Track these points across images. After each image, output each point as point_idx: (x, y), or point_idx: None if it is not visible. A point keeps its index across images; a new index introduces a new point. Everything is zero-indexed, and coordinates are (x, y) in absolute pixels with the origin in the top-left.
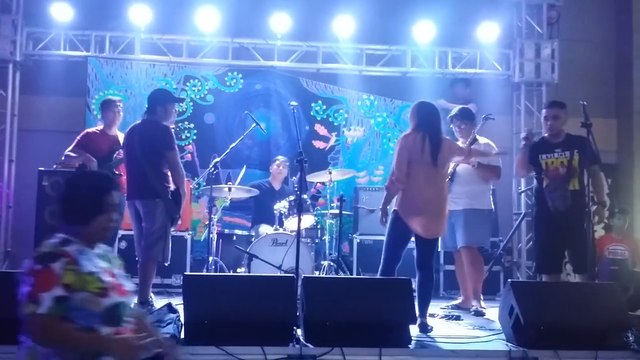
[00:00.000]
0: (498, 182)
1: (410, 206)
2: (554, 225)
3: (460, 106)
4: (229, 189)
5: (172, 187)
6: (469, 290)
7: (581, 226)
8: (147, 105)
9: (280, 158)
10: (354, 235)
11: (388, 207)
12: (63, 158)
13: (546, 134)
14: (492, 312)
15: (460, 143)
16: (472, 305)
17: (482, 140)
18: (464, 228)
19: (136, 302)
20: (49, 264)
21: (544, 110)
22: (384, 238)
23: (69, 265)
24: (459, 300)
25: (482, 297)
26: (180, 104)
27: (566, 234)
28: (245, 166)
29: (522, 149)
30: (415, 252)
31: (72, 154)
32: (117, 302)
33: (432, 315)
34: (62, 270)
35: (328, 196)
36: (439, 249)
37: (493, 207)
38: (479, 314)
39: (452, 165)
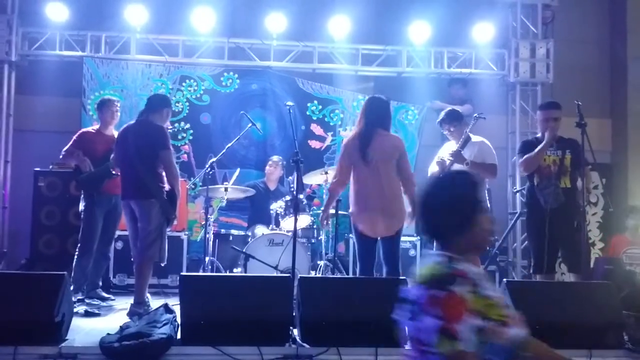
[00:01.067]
0: (494, 181)
1: (356, 208)
2: (546, 224)
3: (448, 108)
4: (225, 189)
5: (167, 187)
6: None
7: (572, 224)
8: (146, 105)
9: (274, 158)
10: (350, 235)
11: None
12: (61, 157)
13: (540, 134)
14: None
15: (454, 144)
16: None
17: (475, 138)
18: None
19: (132, 302)
20: (450, 288)
21: (542, 112)
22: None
23: (470, 287)
24: None
25: None
26: (177, 104)
27: (558, 233)
28: (239, 169)
29: (545, 146)
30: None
31: (69, 154)
32: (520, 334)
33: None
34: (466, 293)
35: (324, 196)
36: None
37: (489, 206)
38: None
39: (447, 164)
